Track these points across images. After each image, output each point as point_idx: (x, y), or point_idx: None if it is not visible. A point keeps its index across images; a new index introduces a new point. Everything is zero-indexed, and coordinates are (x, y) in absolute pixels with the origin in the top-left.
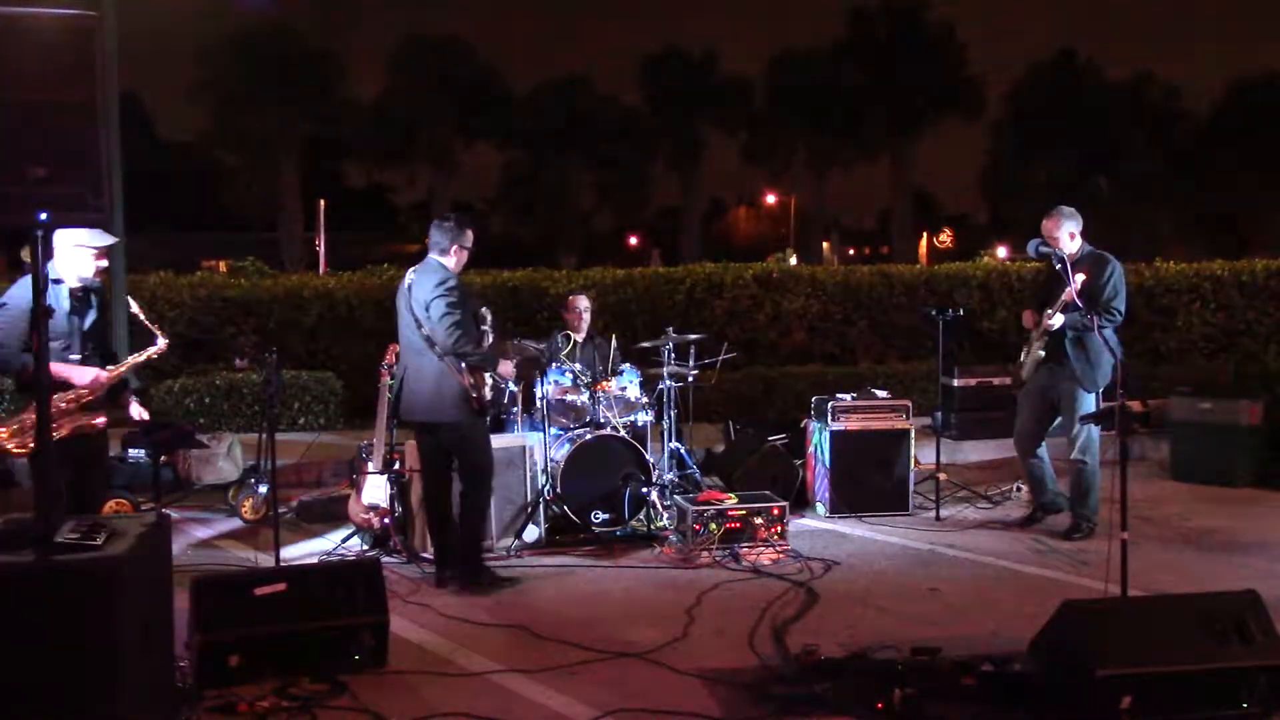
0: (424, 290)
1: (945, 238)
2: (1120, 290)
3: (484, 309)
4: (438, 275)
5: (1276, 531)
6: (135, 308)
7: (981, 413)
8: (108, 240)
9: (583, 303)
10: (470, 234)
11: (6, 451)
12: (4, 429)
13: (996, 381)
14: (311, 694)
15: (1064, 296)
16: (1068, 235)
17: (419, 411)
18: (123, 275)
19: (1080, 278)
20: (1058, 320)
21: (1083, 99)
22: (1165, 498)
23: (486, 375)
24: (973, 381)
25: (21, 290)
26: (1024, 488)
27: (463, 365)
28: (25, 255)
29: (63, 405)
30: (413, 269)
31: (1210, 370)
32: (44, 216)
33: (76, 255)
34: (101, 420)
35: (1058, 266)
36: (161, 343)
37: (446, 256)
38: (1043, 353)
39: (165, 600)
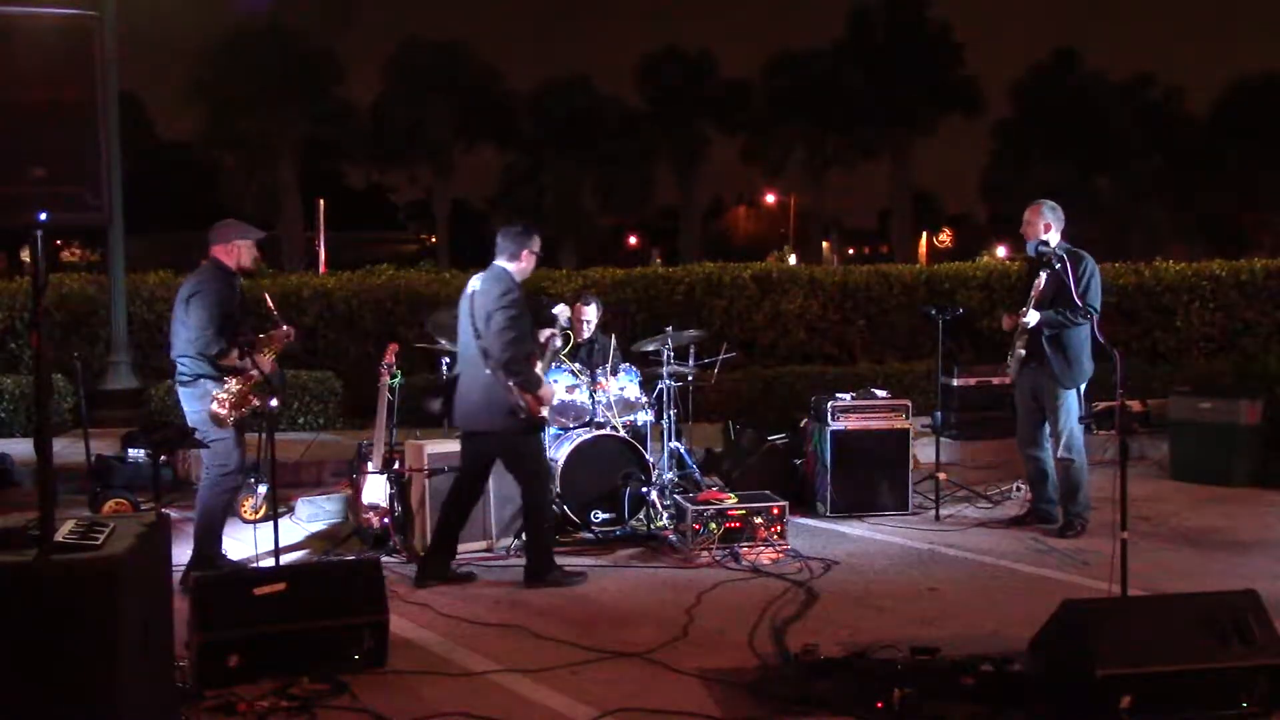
0: (487, 299)
1: (945, 238)
2: (1095, 287)
3: (560, 307)
4: (502, 285)
5: (1276, 531)
6: (270, 303)
7: (981, 413)
8: (260, 232)
9: (587, 314)
10: (538, 239)
11: (223, 421)
12: (220, 405)
13: (996, 381)
14: (311, 694)
15: (1034, 294)
16: (1043, 226)
17: (467, 420)
18: (122, 275)
19: (1043, 276)
20: (1033, 318)
21: (1083, 99)
22: (1165, 497)
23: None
24: (973, 381)
25: (206, 277)
26: (1024, 487)
27: (511, 382)
28: (26, 255)
29: (245, 387)
30: (478, 275)
31: (1209, 370)
32: (44, 216)
33: (241, 249)
34: (275, 402)
35: (1057, 266)
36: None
37: (515, 262)
38: (1023, 351)
39: (165, 600)
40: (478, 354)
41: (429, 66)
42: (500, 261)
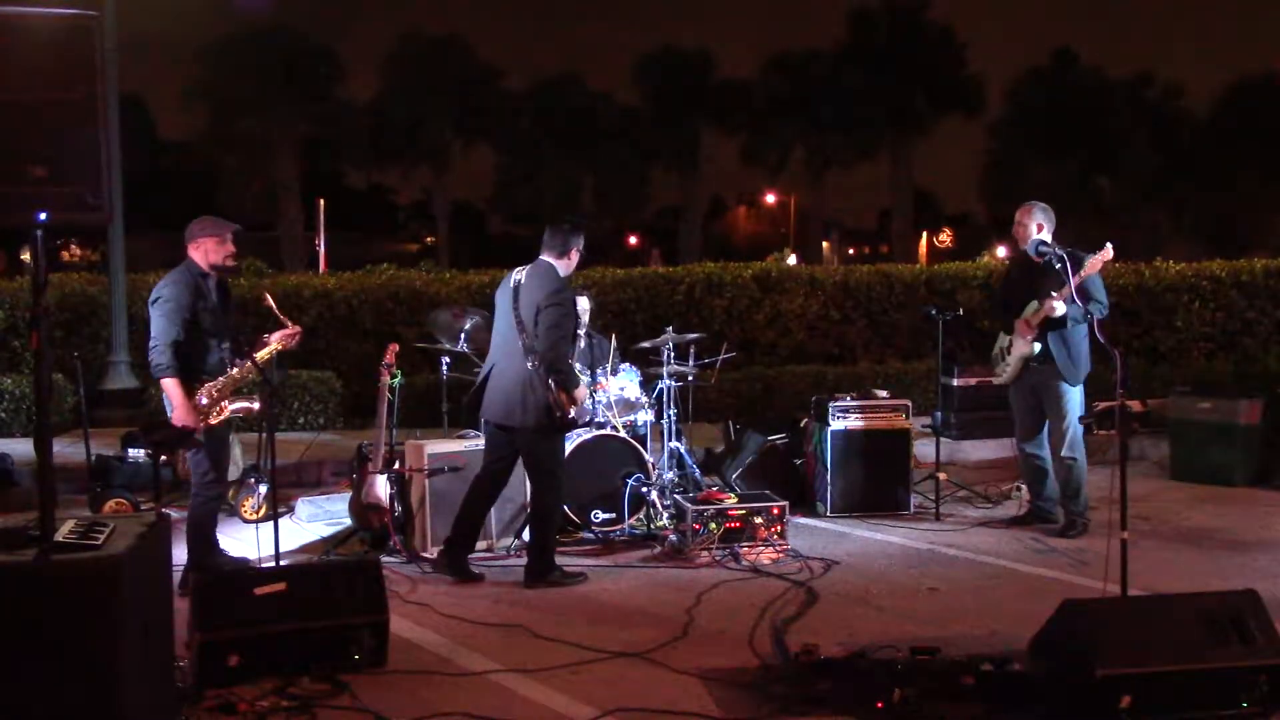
0: (537, 293)
1: (945, 238)
2: (1099, 281)
3: (586, 298)
4: (554, 282)
5: (1276, 531)
6: (270, 302)
7: (981, 412)
8: (231, 226)
9: (580, 304)
10: (583, 237)
11: (195, 428)
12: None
13: (996, 381)
14: (311, 694)
15: (1065, 290)
16: (1035, 226)
17: (499, 413)
18: (122, 275)
19: (1101, 256)
20: (1061, 308)
21: (1083, 99)
22: (1165, 497)
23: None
24: (973, 381)
25: (171, 281)
26: (1024, 487)
27: (551, 380)
28: (26, 255)
29: (215, 394)
30: (521, 268)
31: (1209, 370)
32: (44, 216)
33: (208, 245)
34: (256, 405)
35: (1058, 266)
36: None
37: (563, 259)
38: (1038, 346)
39: (165, 600)
40: (518, 348)
41: (427, 64)
42: (548, 257)
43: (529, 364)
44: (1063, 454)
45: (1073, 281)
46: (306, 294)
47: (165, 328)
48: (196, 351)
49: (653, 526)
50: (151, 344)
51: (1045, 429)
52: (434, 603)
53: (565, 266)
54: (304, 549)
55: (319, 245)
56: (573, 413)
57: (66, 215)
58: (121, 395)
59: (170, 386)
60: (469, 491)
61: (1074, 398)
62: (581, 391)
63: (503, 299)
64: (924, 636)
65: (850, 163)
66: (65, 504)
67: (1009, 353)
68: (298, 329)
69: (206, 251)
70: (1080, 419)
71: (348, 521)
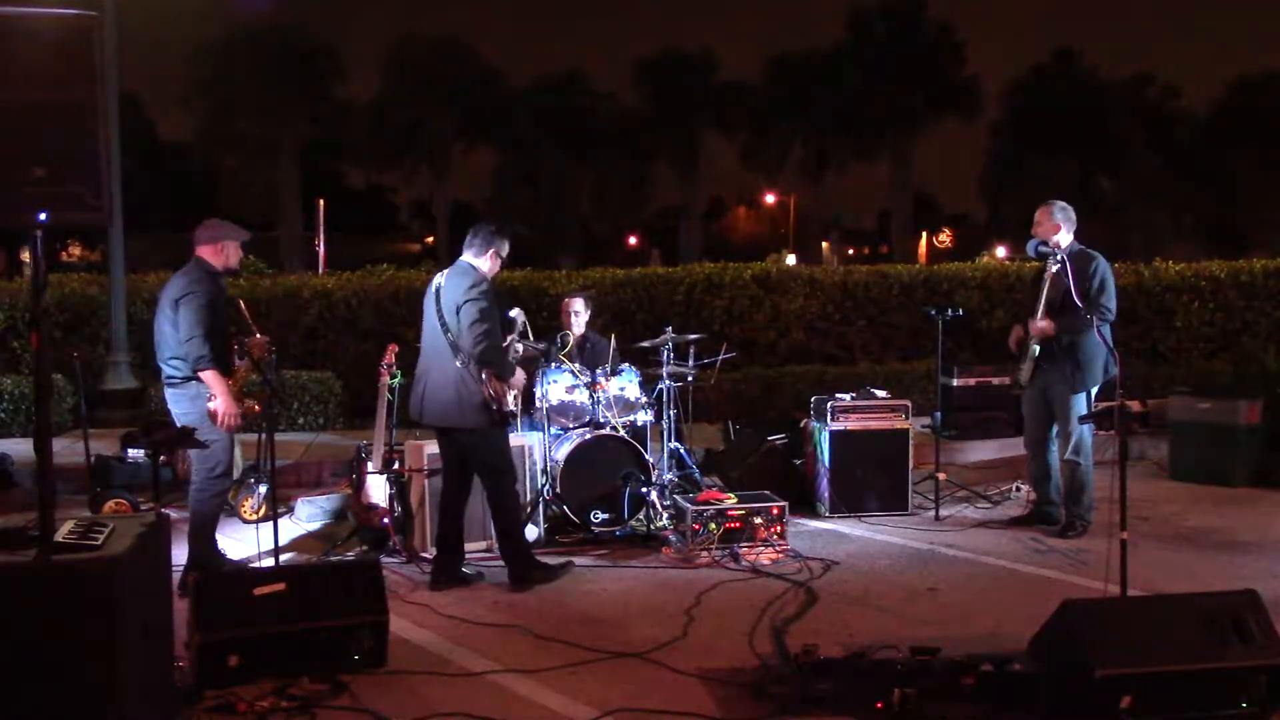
0: (455, 292)
1: (945, 238)
2: (1109, 287)
3: (516, 311)
4: (469, 278)
5: (1275, 531)
6: (242, 307)
7: (981, 413)
8: (246, 233)
9: (574, 305)
10: (506, 242)
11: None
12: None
13: (996, 381)
14: (311, 694)
15: (1060, 286)
16: (1053, 226)
17: (436, 416)
18: (122, 275)
19: (1050, 274)
20: (1045, 326)
21: (1082, 99)
22: (1164, 497)
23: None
24: (972, 381)
25: (195, 279)
26: (1024, 487)
27: (484, 374)
28: (25, 256)
29: (235, 389)
30: (442, 272)
31: (1209, 370)
32: (44, 216)
33: (229, 249)
34: (257, 406)
35: (1055, 267)
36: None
37: (480, 259)
38: (1038, 347)
39: (165, 600)
40: (446, 349)
41: (427, 64)
42: (467, 257)
43: (458, 363)
44: (1066, 456)
45: (1071, 280)
46: (306, 294)
47: (196, 321)
48: (217, 347)
49: (653, 526)
50: (186, 338)
51: (1053, 431)
52: (433, 603)
53: (484, 266)
54: (303, 549)
55: (319, 245)
56: (510, 404)
57: (66, 215)
58: (121, 395)
59: (211, 378)
60: (441, 503)
61: (1080, 404)
62: (519, 378)
63: (428, 305)
64: (924, 636)
65: (850, 163)
66: (65, 504)
67: (1027, 355)
68: (265, 340)
69: (228, 255)
70: (1080, 418)
71: (347, 521)
